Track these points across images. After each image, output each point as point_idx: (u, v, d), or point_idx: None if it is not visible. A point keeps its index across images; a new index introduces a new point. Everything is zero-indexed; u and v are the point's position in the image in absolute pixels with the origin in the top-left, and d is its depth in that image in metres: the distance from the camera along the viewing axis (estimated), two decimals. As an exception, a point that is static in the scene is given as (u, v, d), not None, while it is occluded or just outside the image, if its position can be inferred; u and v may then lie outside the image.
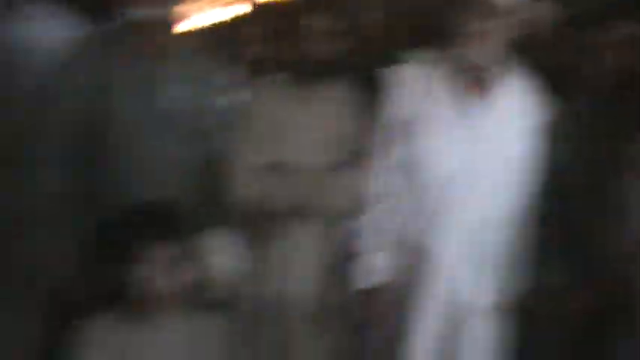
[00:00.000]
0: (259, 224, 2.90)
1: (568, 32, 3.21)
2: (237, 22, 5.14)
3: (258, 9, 4.86)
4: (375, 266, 2.63)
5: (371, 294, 2.64)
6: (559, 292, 2.80)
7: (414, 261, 2.60)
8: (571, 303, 2.79)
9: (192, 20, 5.57)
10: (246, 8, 6.00)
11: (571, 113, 2.89)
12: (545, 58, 3.15)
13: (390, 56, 2.86)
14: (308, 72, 2.98)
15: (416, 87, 2.62)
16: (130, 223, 2.35)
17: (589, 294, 2.76)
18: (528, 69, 2.71)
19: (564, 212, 2.79)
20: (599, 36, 2.86)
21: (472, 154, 2.57)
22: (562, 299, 2.80)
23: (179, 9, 2.77)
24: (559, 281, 2.81)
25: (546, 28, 3.24)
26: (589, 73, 2.92)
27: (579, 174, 2.83)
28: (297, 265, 2.91)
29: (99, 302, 2.40)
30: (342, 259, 2.81)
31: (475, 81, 2.60)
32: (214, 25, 5.57)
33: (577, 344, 2.83)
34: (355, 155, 2.83)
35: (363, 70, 3.02)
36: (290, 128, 2.93)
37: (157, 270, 2.31)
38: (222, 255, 2.69)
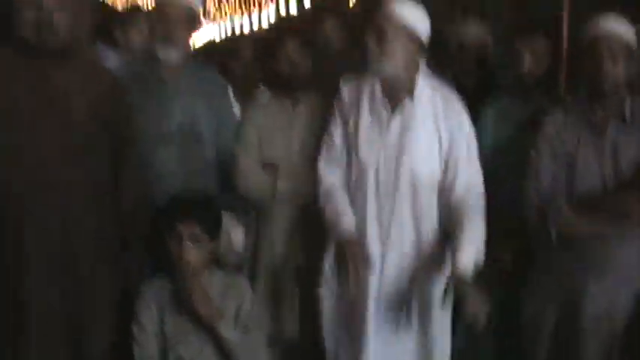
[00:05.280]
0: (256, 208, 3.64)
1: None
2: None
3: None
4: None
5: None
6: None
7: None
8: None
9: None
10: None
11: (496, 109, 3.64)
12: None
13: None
14: (285, 87, 3.66)
15: (350, 98, 3.28)
16: (174, 207, 3.08)
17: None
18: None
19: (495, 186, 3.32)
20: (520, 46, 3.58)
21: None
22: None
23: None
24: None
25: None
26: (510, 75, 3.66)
27: (504, 154, 3.54)
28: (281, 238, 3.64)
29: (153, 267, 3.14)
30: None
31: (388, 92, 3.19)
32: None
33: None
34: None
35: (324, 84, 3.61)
36: (276, 133, 3.63)
37: (191, 241, 3.04)
38: (236, 230, 3.38)
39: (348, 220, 3.21)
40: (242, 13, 19.26)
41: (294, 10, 15.44)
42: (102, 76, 3.18)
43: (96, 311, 3.08)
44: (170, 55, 3.48)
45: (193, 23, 3.55)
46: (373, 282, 3.21)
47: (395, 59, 3.15)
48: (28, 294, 2.94)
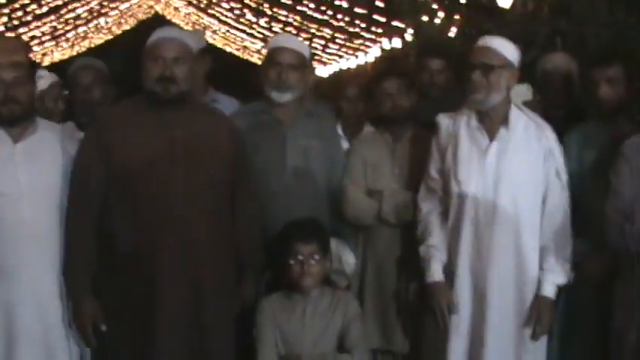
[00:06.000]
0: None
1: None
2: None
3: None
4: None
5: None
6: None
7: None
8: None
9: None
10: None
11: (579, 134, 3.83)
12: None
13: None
14: (386, 123, 3.99)
15: (447, 130, 3.56)
16: (290, 232, 3.50)
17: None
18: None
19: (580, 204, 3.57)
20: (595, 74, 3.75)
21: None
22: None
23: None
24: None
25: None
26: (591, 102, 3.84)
27: (588, 177, 3.68)
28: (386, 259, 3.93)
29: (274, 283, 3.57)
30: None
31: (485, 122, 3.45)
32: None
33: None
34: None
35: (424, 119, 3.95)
36: (380, 166, 3.94)
37: (307, 262, 3.45)
38: (347, 254, 3.76)
39: (437, 266, 3.54)
40: (348, 54, 19.77)
41: (397, 45, 15.76)
42: (216, 117, 3.64)
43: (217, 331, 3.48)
44: (284, 98, 3.84)
45: (304, 67, 3.90)
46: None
47: (499, 90, 3.44)
48: (159, 317, 3.36)
